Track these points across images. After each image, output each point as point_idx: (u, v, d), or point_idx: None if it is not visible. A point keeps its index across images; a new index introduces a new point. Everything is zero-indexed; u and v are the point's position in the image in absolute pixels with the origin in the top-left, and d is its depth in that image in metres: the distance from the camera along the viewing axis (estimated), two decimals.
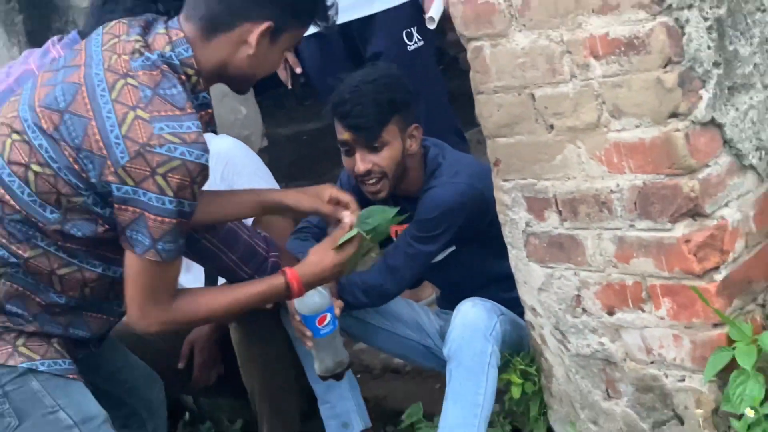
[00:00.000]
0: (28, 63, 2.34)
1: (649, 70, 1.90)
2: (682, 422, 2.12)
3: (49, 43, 2.42)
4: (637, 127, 1.96)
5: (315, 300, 2.46)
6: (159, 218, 1.90)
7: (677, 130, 1.91)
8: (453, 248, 2.66)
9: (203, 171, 1.94)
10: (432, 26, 3.27)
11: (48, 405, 2.01)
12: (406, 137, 2.60)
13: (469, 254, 2.68)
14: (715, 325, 2.01)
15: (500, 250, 2.38)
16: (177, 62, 1.95)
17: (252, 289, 2.17)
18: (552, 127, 2.11)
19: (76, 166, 1.91)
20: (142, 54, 1.94)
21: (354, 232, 2.20)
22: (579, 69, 2.00)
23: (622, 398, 2.22)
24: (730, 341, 2.00)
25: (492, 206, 2.37)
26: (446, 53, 5.34)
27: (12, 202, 1.95)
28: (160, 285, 2.01)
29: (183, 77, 1.96)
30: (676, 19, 1.86)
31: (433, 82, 3.46)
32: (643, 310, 2.10)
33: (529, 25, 2.05)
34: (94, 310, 2.13)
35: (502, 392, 2.51)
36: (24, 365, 2.00)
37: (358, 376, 3.26)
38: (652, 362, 2.13)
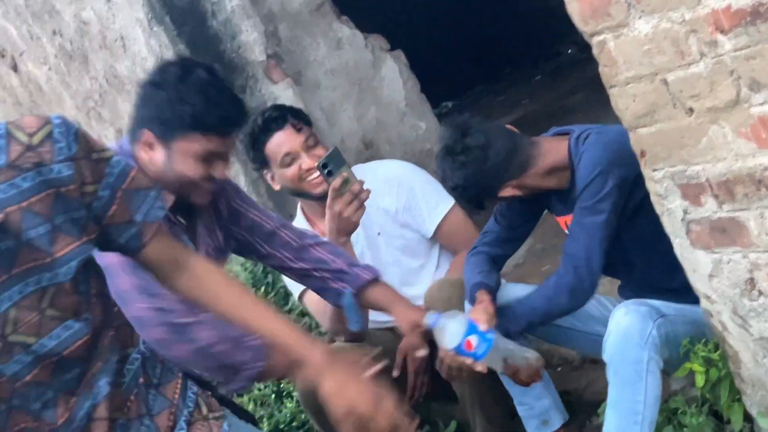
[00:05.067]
0: None
1: None
2: None
3: None
4: None
5: (451, 330, 2.28)
6: None
7: None
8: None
9: None
10: None
11: None
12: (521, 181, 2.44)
13: (636, 228, 2.37)
14: None
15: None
16: None
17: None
18: (691, 110, 1.84)
19: None
20: None
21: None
22: (707, 47, 1.73)
23: None
24: None
25: None
26: None
27: None
28: None
29: None
30: None
31: None
32: None
33: (647, 9, 1.80)
34: None
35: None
36: None
37: (558, 369, 3.07)
38: None
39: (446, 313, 2.34)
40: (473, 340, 2.26)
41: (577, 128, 2.47)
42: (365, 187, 2.69)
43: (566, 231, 2.56)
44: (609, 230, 2.35)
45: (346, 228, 2.67)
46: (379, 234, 2.97)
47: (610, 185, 2.30)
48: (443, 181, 2.51)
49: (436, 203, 2.96)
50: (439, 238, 2.98)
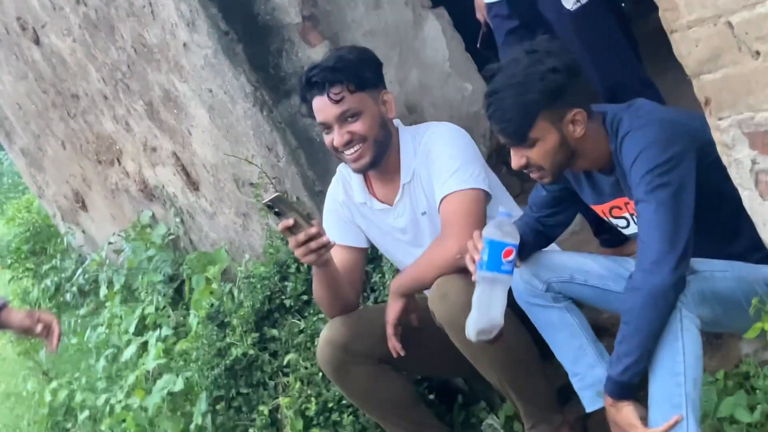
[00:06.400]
0: None
1: None
2: None
3: None
4: None
5: (511, 230, 2.43)
6: None
7: None
8: None
9: None
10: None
11: None
12: (564, 126, 2.41)
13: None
14: None
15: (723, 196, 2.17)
16: None
17: None
18: (758, 53, 1.90)
19: None
20: None
21: None
22: None
23: None
24: None
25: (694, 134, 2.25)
26: None
27: None
28: None
29: None
30: None
31: (605, 38, 3.28)
32: None
33: None
34: None
35: None
36: None
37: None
38: None
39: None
40: (513, 253, 2.43)
41: (608, 111, 2.51)
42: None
43: (605, 218, 2.67)
44: (683, 202, 2.31)
45: (306, 261, 2.76)
46: (423, 214, 2.96)
47: (665, 156, 2.32)
48: (500, 72, 2.45)
49: (449, 176, 2.84)
50: (441, 215, 2.87)
